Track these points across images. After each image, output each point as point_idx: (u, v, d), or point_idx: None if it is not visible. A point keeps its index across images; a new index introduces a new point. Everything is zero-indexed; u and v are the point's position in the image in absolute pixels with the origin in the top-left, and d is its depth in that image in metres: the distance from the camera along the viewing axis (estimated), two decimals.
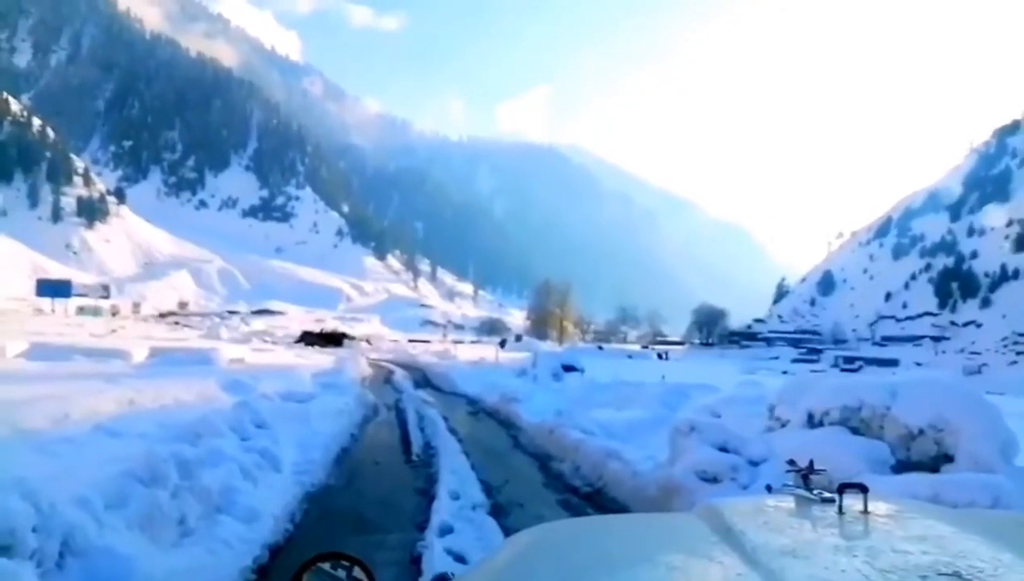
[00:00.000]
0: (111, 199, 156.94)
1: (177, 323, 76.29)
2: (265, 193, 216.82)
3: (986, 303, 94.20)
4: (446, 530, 6.18)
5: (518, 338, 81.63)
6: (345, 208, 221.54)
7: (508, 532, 5.72)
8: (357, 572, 1.19)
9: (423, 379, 26.69)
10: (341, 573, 1.18)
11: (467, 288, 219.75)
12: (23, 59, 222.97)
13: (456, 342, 69.04)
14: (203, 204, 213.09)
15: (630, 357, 53.47)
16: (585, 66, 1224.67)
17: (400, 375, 27.45)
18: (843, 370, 51.79)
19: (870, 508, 1.36)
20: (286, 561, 5.30)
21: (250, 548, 5.26)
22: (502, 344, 66.95)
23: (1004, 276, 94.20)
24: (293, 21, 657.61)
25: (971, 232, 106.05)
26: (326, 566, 1.18)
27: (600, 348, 67.58)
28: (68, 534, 3.90)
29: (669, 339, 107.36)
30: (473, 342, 75.45)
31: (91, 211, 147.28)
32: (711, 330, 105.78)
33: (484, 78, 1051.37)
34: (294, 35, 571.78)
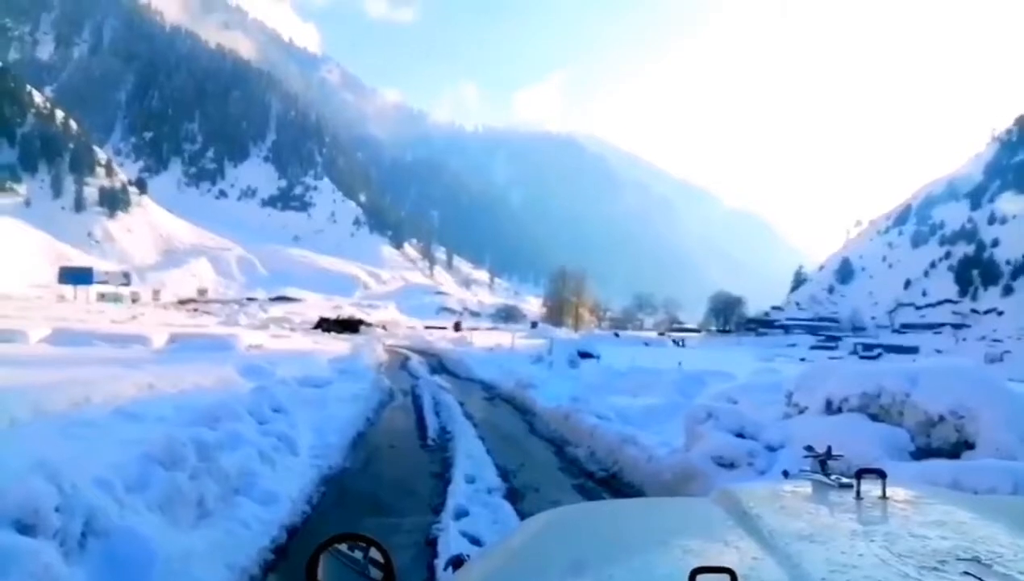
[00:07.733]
0: (132, 189, 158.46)
1: (196, 310, 77.02)
2: (284, 183, 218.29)
3: (1008, 291, 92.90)
4: (461, 513, 6.20)
5: (534, 325, 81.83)
6: (362, 198, 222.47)
7: (523, 516, 5.73)
8: (374, 553, 1.20)
9: (439, 365, 26.60)
10: (358, 554, 1.20)
11: (483, 276, 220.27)
12: (45, 52, 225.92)
13: (472, 329, 69.34)
14: (223, 194, 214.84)
15: (646, 344, 53.34)
16: (601, 55, 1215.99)
17: (416, 361, 27.43)
18: (862, 357, 51.30)
19: (888, 493, 1.35)
20: (304, 542, 5.34)
21: (268, 529, 5.31)
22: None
23: None
24: (310, 13, 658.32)
25: (992, 220, 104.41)
26: (343, 547, 1.20)
27: (616, 335, 67.44)
28: (90, 515, 3.94)
29: (686, 326, 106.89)
30: (489, 329, 75.79)
31: (113, 201, 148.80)
32: (728, 317, 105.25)
33: (500, 67, 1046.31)
34: (311, 27, 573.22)
